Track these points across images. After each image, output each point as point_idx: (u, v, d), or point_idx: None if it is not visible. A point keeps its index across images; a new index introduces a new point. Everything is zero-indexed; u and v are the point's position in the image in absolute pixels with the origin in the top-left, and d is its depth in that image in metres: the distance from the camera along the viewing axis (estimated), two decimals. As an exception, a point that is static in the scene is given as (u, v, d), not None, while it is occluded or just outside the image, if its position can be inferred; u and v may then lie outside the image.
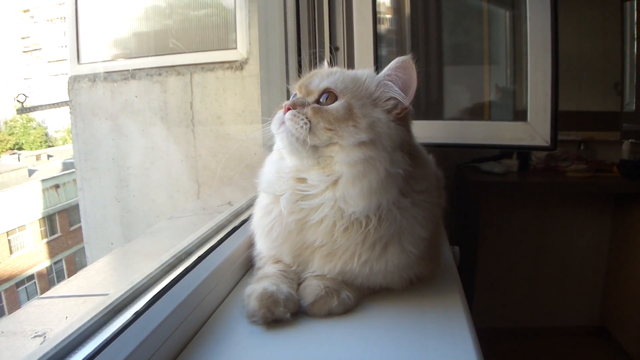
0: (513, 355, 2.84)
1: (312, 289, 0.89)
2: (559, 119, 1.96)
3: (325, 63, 1.10)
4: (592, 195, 3.22)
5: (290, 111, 0.92)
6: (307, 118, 0.90)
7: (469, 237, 2.97)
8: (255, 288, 0.87)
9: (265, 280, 0.91)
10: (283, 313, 0.84)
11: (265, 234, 0.99)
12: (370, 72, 0.97)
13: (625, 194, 3.03)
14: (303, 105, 0.93)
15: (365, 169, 0.86)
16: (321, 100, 0.93)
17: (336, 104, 0.91)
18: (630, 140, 3.02)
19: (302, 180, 0.92)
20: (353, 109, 0.90)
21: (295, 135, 0.90)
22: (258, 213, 1.03)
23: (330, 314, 0.88)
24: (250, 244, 1.09)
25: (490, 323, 2.84)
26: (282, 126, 0.92)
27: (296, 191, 0.92)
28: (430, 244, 0.98)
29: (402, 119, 0.93)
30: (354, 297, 0.92)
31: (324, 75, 0.97)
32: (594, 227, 3.24)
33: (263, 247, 1.02)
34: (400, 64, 0.92)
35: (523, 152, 3.02)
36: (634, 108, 3.37)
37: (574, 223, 3.23)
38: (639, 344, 2.84)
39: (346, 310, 0.90)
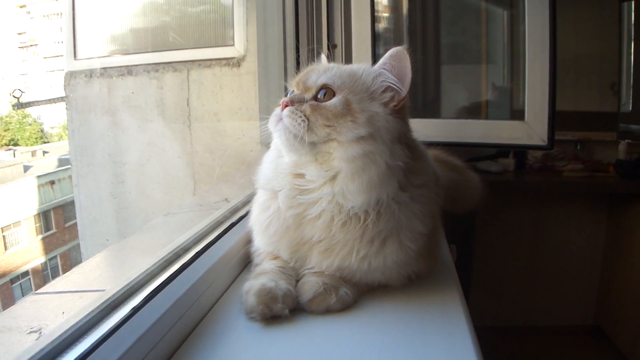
0: (508, 354, 2.84)
1: (310, 286, 0.89)
2: (556, 119, 1.96)
3: (323, 57, 1.09)
4: (588, 195, 3.23)
5: (288, 108, 0.91)
6: (305, 115, 0.89)
7: (465, 235, 2.96)
8: (254, 284, 0.87)
9: (264, 276, 0.90)
10: (281, 309, 0.84)
11: (263, 230, 0.98)
12: (367, 66, 0.96)
13: (621, 194, 3.04)
14: (301, 101, 0.92)
15: (365, 164, 0.86)
16: (319, 96, 0.92)
17: (334, 100, 0.90)
18: (626, 140, 3.04)
19: (300, 175, 0.92)
20: (351, 104, 0.89)
21: (293, 132, 0.89)
22: (256, 209, 1.03)
23: (328, 311, 0.88)
24: (248, 241, 1.09)
25: (485, 322, 2.84)
26: (280, 123, 0.91)
27: (294, 186, 0.92)
28: (429, 240, 0.98)
29: (400, 112, 0.92)
30: (353, 294, 0.92)
31: (321, 71, 0.96)
32: (589, 226, 3.25)
33: (261, 243, 1.01)
34: (394, 53, 0.92)
35: (520, 151, 3.02)
36: (630, 108, 3.39)
37: (570, 222, 3.24)
38: (633, 344, 2.85)
39: (344, 307, 0.90)
